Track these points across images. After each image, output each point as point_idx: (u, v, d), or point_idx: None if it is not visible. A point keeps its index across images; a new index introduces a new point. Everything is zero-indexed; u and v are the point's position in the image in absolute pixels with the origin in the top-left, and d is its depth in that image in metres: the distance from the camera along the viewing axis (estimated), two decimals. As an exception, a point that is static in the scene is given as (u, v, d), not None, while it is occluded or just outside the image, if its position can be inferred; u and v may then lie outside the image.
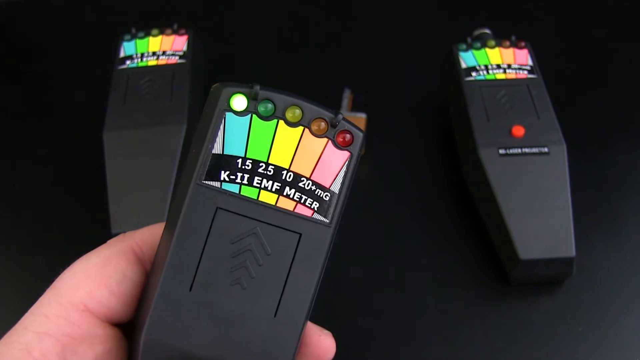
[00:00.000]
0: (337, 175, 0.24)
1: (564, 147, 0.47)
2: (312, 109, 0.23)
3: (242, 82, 0.24)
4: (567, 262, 0.45)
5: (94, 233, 0.49)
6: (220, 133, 0.23)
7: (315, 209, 0.24)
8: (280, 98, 0.23)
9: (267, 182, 0.23)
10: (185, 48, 0.54)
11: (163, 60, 0.53)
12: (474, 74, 0.51)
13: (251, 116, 0.23)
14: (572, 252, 0.44)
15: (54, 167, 0.57)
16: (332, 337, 0.26)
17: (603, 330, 0.44)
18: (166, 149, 0.48)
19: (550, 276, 0.46)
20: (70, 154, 0.57)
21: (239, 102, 0.23)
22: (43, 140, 0.59)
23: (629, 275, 0.47)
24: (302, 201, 0.23)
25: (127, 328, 0.26)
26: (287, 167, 0.23)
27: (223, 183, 0.23)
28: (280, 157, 0.23)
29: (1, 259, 0.50)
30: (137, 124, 0.49)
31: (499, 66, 0.52)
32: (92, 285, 0.24)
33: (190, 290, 0.23)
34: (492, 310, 0.46)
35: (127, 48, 0.55)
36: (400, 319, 0.46)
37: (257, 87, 0.23)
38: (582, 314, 0.45)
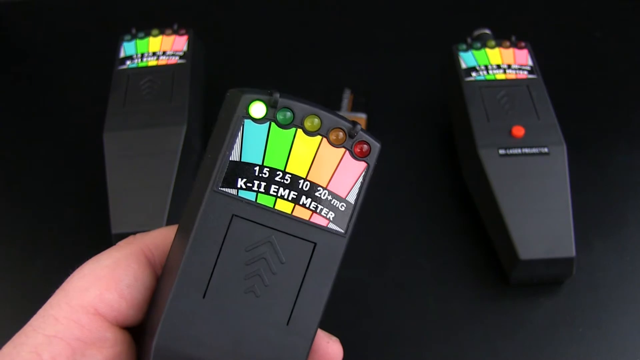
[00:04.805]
0: (353, 186, 0.24)
1: (564, 147, 0.47)
2: (331, 118, 0.23)
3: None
4: (567, 262, 0.45)
5: (94, 233, 0.50)
6: (238, 140, 0.23)
7: (331, 219, 0.24)
8: (300, 106, 0.23)
9: (284, 190, 0.23)
10: (185, 48, 0.54)
11: (163, 61, 0.53)
12: (474, 74, 0.51)
13: (269, 124, 0.23)
14: (572, 252, 0.44)
15: (54, 167, 0.57)
16: (340, 343, 0.26)
17: (603, 331, 0.44)
18: (166, 150, 0.48)
19: (550, 276, 0.46)
20: (70, 154, 0.57)
21: (257, 109, 0.23)
22: (43, 140, 0.59)
23: (628, 276, 0.47)
24: (317, 211, 0.23)
25: (136, 331, 0.25)
26: (304, 176, 0.23)
27: (240, 190, 0.23)
28: (297, 166, 0.23)
29: (1, 259, 0.50)
30: (137, 125, 0.49)
31: (499, 66, 0.52)
32: (102, 288, 0.24)
33: (203, 297, 0.23)
34: (491, 310, 0.46)
35: (127, 48, 0.55)
36: (400, 319, 0.46)
37: (277, 95, 0.23)
38: (582, 315, 0.45)
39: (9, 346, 0.23)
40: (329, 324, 0.26)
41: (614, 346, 0.44)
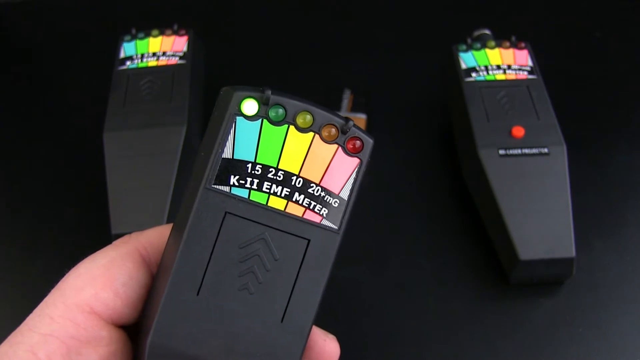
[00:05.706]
0: (346, 182, 0.24)
1: (564, 147, 0.47)
2: (323, 114, 0.23)
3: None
4: (567, 262, 0.45)
5: (94, 233, 0.50)
6: (230, 137, 0.23)
7: (324, 215, 0.24)
8: (291, 103, 0.23)
9: (277, 187, 0.23)
10: (185, 49, 0.54)
11: (163, 61, 0.53)
12: (474, 74, 0.51)
13: (262, 121, 0.23)
14: (572, 252, 0.44)
15: (54, 167, 0.57)
16: (337, 341, 0.26)
17: (603, 331, 0.44)
18: (166, 150, 0.48)
19: (550, 276, 0.46)
20: (70, 154, 0.57)
21: (249, 106, 0.23)
22: (43, 140, 0.59)
23: (628, 276, 0.47)
24: (311, 207, 0.23)
25: (131, 330, 0.25)
26: (297, 173, 0.23)
27: (232, 188, 0.23)
28: (290, 163, 0.23)
29: (1, 259, 0.50)
30: (137, 125, 0.49)
31: (499, 67, 0.52)
32: (97, 286, 0.24)
33: (197, 294, 0.23)
34: (491, 310, 0.46)
35: (127, 49, 0.55)
36: (400, 319, 0.46)
37: (269, 92, 0.23)
38: (582, 315, 0.45)
39: (5, 345, 0.23)
40: (328, 324, 0.26)
41: (614, 346, 0.44)
